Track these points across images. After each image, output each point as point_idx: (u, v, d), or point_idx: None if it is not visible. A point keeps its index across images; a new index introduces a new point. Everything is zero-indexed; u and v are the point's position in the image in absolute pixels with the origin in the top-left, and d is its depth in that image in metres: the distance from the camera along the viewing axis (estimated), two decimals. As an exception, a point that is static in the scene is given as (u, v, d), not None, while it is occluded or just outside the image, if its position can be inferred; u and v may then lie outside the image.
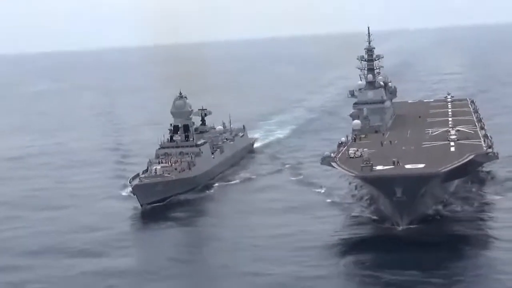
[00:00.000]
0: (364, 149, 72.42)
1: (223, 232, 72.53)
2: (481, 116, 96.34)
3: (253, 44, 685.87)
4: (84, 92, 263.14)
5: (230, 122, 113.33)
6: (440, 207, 71.01)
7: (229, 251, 65.64)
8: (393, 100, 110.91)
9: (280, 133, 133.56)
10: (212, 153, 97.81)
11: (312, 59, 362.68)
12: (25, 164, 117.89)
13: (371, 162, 66.69)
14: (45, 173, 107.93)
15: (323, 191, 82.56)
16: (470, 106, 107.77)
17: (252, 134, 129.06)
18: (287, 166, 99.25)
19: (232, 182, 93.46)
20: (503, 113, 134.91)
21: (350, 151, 74.13)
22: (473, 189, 78.42)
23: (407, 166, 67.10)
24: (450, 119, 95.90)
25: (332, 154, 74.61)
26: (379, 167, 67.22)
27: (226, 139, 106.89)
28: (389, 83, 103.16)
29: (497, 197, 75.60)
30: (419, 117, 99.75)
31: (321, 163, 73.96)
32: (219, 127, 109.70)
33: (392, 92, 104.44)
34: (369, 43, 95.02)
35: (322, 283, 55.98)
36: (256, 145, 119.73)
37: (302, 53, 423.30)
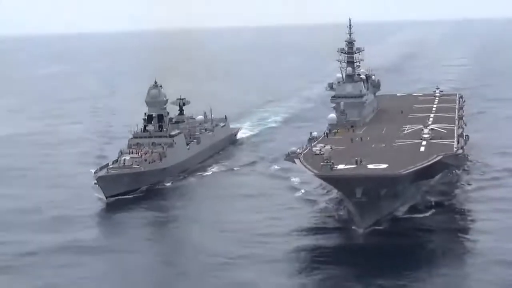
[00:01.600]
0: (326, 147, 69.83)
1: (191, 216, 73.92)
2: (463, 114, 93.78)
3: (241, 32, 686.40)
4: (89, 76, 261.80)
5: (211, 111, 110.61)
6: (409, 206, 69.03)
7: (195, 232, 67.93)
8: (380, 93, 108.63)
9: (271, 122, 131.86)
10: (188, 144, 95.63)
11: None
12: (12, 143, 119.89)
13: (331, 161, 64.26)
14: (26, 152, 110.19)
15: (295, 183, 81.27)
16: (457, 102, 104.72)
17: (242, 124, 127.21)
18: (264, 157, 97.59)
19: (206, 173, 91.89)
20: (498, 106, 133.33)
21: (315, 148, 71.65)
22: (451, 185, 77.25)
23: (370, 166, 64.59)
24: (431, 115, 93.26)
25: (298, 149, 72.35)
26: (340, 166, 64.81)
27: (206, 129, 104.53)
28: (373, 76, 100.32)
29: (473, 193, 74.93)
30: (401, 112, 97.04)
31: (285, 159, 71.88)
32: (200, 117, 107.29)
33: (376, 86, 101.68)
34: (350, 35, 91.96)
35: (274, 266, 57.45)
36: (241, 135, 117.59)
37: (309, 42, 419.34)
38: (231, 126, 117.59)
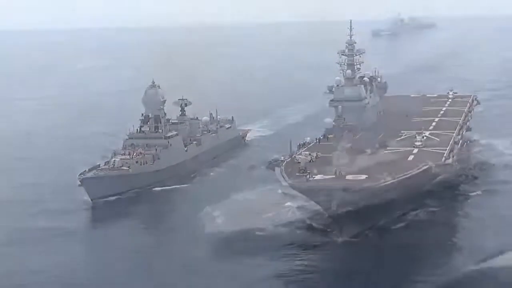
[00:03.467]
0: (307, 155, 67.20)
1: (174, 217, 74.95)
2: (469, 118, 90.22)
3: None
4: (122, 70, 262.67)
5: (216, 112, 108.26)
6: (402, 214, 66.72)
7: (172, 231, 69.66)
8: (395, 94, 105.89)
9: (291, 121, 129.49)
10: (186, 146, 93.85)
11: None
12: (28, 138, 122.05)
13: (308, 171, 61.83)
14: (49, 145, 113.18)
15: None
16: (468, 104, 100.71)
17: (260, 123, 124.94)
18: (267, 160, 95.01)
19: (203, 176, 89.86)
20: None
21: (299, 156, 69.04)
22: (451, 190, 74.82)
23: (348, 177, 61.85)
24: (436, 119, 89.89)
25: (282, 157, 69.95)
26: (318, 177, 62.20)
27: (209, 131, 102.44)
28: (378, 78, 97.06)
29: (473, 198, 73.45)
30: (406, 116, 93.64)
31: (266, 168, 69.51)
32: (205, 118, 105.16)
33: (382, 88, 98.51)
34: (350, 37, 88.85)
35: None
36: (253, 136, 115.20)
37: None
38: (246, 127, 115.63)
